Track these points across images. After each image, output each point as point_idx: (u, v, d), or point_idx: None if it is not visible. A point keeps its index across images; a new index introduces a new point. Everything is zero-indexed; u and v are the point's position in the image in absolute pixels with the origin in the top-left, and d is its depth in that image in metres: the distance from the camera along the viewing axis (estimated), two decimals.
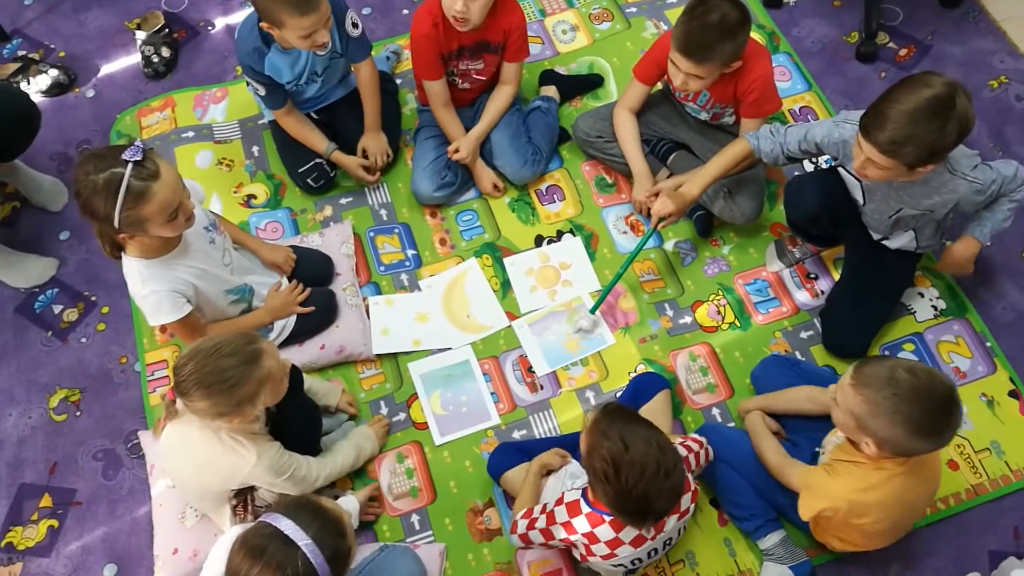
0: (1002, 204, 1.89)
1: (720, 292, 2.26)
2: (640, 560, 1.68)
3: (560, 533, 1.64)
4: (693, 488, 1.69)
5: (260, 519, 1.39)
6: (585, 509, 1.61)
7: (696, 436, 1.82)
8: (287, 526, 1.35)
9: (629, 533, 1.60)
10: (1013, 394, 2.08)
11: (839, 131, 1.89)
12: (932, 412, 1.47)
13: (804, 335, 2.19)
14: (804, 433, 1.88)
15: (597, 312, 2.19)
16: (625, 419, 1.52)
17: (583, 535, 1.61)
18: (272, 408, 1.70)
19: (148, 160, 1.62)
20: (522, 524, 1.71)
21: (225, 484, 1.72)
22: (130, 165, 1.59)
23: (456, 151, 2.32)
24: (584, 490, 1.63)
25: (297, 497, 1.52)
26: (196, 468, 1.71)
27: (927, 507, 1.87)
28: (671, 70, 2.06)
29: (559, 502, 1.66)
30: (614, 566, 1.67)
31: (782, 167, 2.29)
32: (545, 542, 1.69)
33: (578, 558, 1.72)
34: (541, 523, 1.67)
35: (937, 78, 1.63)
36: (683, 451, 1.68)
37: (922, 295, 2.22)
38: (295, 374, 1.80)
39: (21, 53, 2.75)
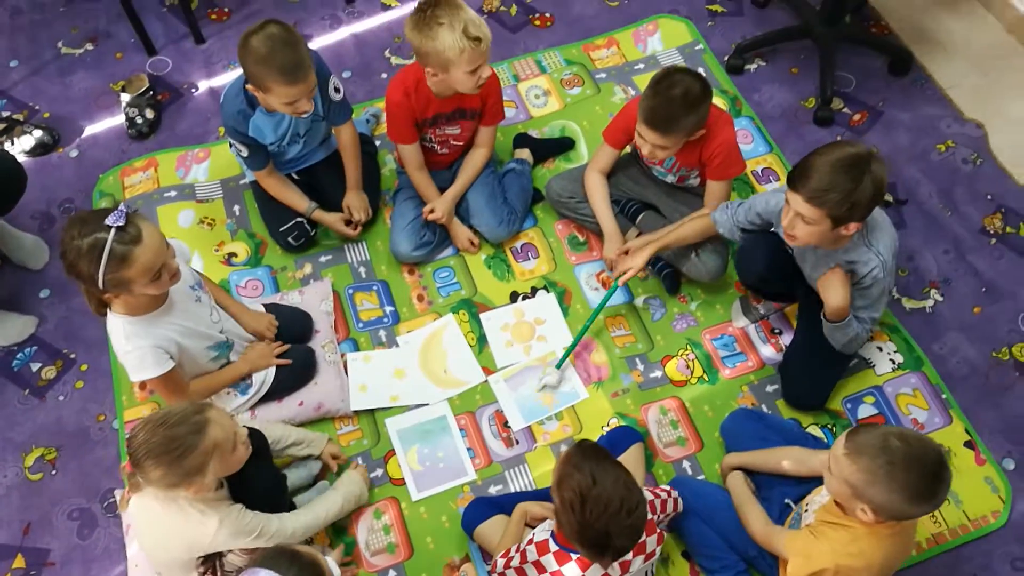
0: (862, 323, 2.01)
1: (689, 347, 2.34)
2: None
3: (532, 573, 1.68)
4: (659, 531, 1.73)
5: None
6: (553, 547, 1.66)
7: (666, 487, 1.87)
8: (263, 575, 1.36)
9: (595, 572, 1.63)
10: (969, 444, 2.16)
11: (775, 199, 2.02)
12: (926, 477, 1.51)
13: (769, 388, 2.26)
14: (776, 488, 1.93)
15: (563, 367, 2.25)
16: (597, 457, 1.58)
17: (551, 574, 1.65)
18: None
19: (131, 224, 1.66)
20: (500, 563, 1.76)
21: (190, 553, 1.72)
22: (113, 230, 1.64)
23: (431, 211, 2.40)
24: (553, 532, 1.67)
25: (272, 548, 1.53)
26: (159, 539, 1.72)
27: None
28: (638, 140, 2.17)
29: (530, 542, 1.70)
30: None
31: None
32: None
33: None
34: (515, 562, 1.71)
35: (858, 143, 1.79)
36: (650, 495, 1.74)
37: (880, 349, 2.31)
38: (258, 440, 1.82)
39: (6, 114, 2.79)
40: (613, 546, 1.53)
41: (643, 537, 1.66)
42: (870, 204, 1.76)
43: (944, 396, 2.24)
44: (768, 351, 2.33)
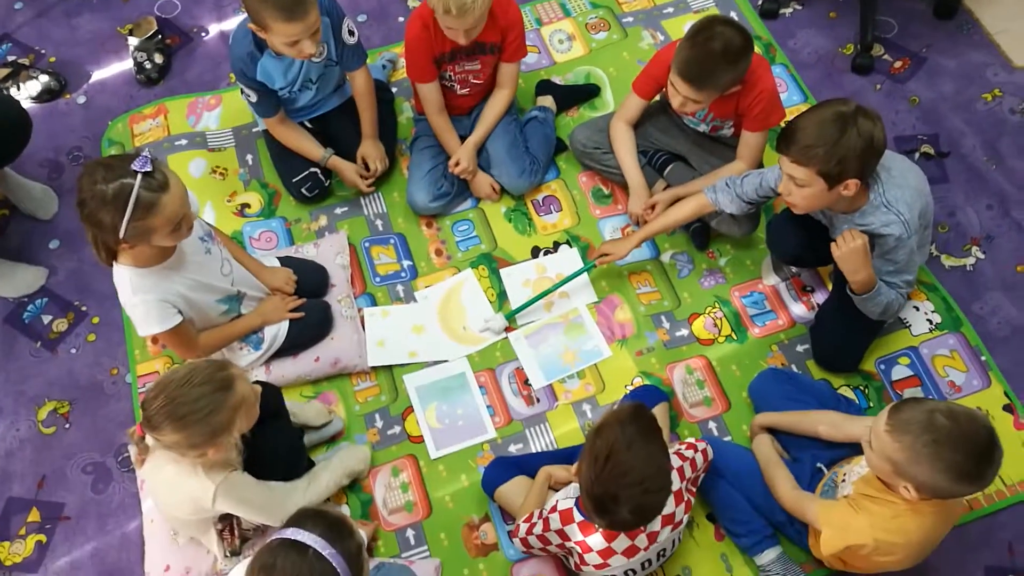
0: (895, 287, 1.91)
1: (717, 304, 2.25)
2: (634, 571, 1.67)
3: (555, 540, 1.65)
4: (686, 499, 1.68)
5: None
6: (578, 518, 1.62)
7: (691, 440, 1.79)
8: (292, 533, 1.33)
9: (621, 543, 1.60)
10: (1008, 408, 2.08)
11: None
12: (975, 457, 1.44)
13: (800, 348, 2.18)
14: (808, 450, 1.86)
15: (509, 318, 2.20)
16: (647, 428, 1.52)
17: (576, 543, 1.61)
18: (247, 435, 1.65)
19: (157, 171, 1.59)
20: (523, 528, 1.72)
21: (197, 514, 1.70)
22: (139, 176, 1.56)
23: (457, 164, 2.30)
24: (577, 499, 1.62)
25: (299, 509, 1.50)
26: (169, 498, 1.69)
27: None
28: (670, 91, 2.06)
29: (553, 510, 1.66)
30: None
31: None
32: (543, 547, 1.70)
33: (573, 567, 1.72)
34: (538, 528, 1.68)
35: (849, 101, 1.72)
36: (677, 460, 1.68)
37: (917, 308, 2.22)
38: (275, 398, 1.77)
39: (11, 58, 2.71)
40: (617, 513, 1.48)
41: (672, 509, 1.61)
42: (862, 158, 1.69)
43: (983, 358, 2.15)
44: (799, 309, 2.24)
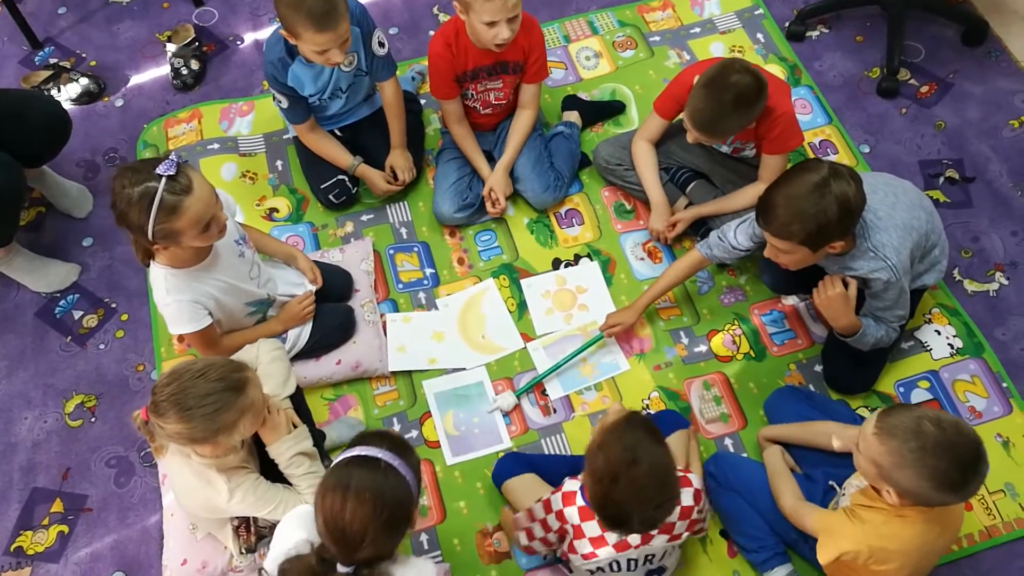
0: (884, 323, 1.93)
1: (736, 322, 2.26)
2: (618, 564, 1.66)
3: (554, 524, 1.65)
4: (692, 518, 1.66)
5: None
6: (579, 502, 1.62)
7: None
8: (360, 450, 1.37)
9: (614, 536, 1.60)
10: None
11: None
12: (959, 466, 1.44)
13: (818, 368, 2.18)
14: (821, 467, 1.86)
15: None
16: (646, 435, 1.51)
17: (572, 527, 1.62)
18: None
19: (181, 174, 1.63)
20: (523, 517, 1.73)
21: (212, 514, 1.72)
22: (164, 179, 1.60)
23: (491, 193, 2.34)
24: (583, 486, 1.62)
25: (360, 432, 1.52)
26: (185, 495, 1.71)
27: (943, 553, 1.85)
28: (685, 124, 2.05)
29: (557, 489, 1.67)
30: (590, 571, 1.67)
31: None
32: (544, 535, 1.69)
33: (560, 555, 1.73)
34: (539, 513, 1.68)
35: (819, 163, 1.71)
36: (698, 482, 1.68)
37: (939, 332, 2.21)
38: (295, 397, 1.80)
39: (53, 61, 2.80)
40: (631, 525, 1.50)
41: (675, 519, 1.61)
42: (841, 222, 1.70)
43: (1005, 384, 2.14)
44: (819, 329, 2.24)
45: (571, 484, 1.65)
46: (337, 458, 1.40)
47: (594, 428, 1.59)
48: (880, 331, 1.92)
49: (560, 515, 1.64)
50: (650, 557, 1.69)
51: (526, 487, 1.88)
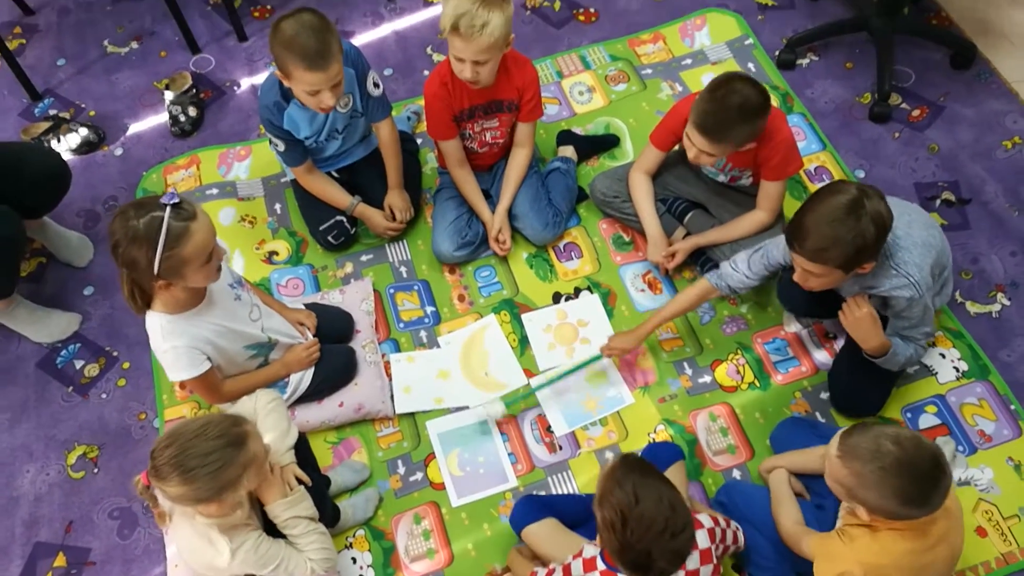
0: (912, 341, 1.92)
1: (739, 351, 2.25)
2: None
3: None
4: (715, 562, 1.63)
5: None
6: (600, 567, 1.59)
7: (725, 517, 1.76)
8: None
9: None
10: None
11: None
12: (919, 482, 1.48)
13: (824, 396, 2.17)
14: (831, 496, 1.83)
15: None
16: (642, 473, 1.51)
17: None
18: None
19: (185, 203, 1.65)
20: (542, 573, 1.70)
21: (216, 575, 1.68)
22: (168, 208, 1.62)
23: (499, 233, 2.36)
24: (603, 551, 1.60)
25: None
26: (186, 554, 1.68)
27: (951, 570, 1.81)
28: (686, 142, 2.08)
29: (577, 555, 1.64)
30: None
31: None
32: None
33: None
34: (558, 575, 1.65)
35: (846, 184, 1.69)
36: (709, 521, 1.66)
37: (943, 356, 2.20)
38: (300, 444, 1.79)
39: (52, 112, 2.83)
40: (655, 568, 1.47)
41: (696, 566, 1.58)
42: (878, 243, 1.69)
43: (1013, 407, 2.12)
44: (822, 356, 2.23)
45: (590, 550, 1.63)
46: None
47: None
48: (909, 349, 1.91)
49: None
50: None
51: (548, 534, 1.84)
